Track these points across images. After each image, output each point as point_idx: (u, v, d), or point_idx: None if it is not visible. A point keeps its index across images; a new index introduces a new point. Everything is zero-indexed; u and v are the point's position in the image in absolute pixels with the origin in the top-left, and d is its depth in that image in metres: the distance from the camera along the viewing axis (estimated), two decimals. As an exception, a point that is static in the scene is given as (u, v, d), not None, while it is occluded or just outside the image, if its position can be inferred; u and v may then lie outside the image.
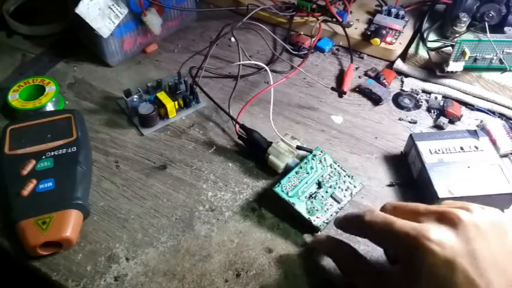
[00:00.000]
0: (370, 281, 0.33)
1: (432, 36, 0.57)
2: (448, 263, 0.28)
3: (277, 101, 0.52)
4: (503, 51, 0.51)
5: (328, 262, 0.38)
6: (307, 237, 0.40)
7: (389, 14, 0.61)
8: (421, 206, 0.32)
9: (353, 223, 0.35)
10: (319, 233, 0.40)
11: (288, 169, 0.43)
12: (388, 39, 0.58)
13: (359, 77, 0.56)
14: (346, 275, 0.36)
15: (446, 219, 0.30)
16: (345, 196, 0.41)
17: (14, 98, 0.49)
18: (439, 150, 0.43)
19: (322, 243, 0.39)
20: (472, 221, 0.29)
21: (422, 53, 0.55)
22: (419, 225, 0.30)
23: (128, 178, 0.45)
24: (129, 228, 0.41)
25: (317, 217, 0.39)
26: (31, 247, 0.37)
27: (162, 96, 0.49)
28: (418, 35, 0.58)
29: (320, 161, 0.43)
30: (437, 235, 0.28)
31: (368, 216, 0.33)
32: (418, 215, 0.31)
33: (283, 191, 0.41)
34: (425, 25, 0.59)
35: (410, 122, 0.51)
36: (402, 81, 0.55)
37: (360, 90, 0.54)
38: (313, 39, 0.59)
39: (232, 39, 0.61)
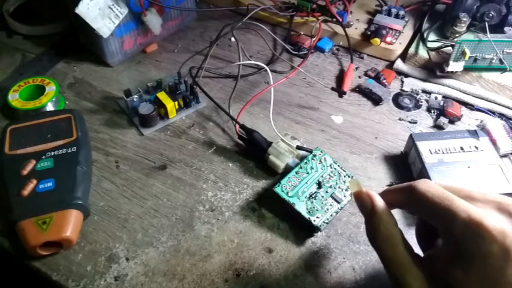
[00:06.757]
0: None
1: (432, 36, 0.57)
2: (505, 253, 0.27)
3: (277, 101, 0.52)
4: (503, 51, 0.51)
5: (328, 261, 0.38)
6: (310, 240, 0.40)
7: (389, 14, 0.61)
8: (475, 191, 0.30)
9: (399, 192, 0.32)
10: (318, 233, 0.40)
11: (288, 169, 0.43)
12: (388, 39, 0.58)
13: (359, 77, 0.56)
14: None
15: (505, 210, 0.28)
16: (345, 196, 0.41)
17: (14, 98, 0.49)
18: (439, 150, 0.43)
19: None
20: None
21: (422, 53, 0.55)
22: (482, 210, 0.28)
23: (128, 178, 0.45)
24: (129, 228, 0.41)
25: (317, 217, 0.39)
26: (31, 247, 0.37)
27: (162, 96, 0.49)
28: (418, 35, 0.58)
29: (320, 161, 0.43)
30: (500, 224, 0.27)
31: (422, 186, 0.30)
32: (474, 200, 0.29)
33: (283, 191, 0.41)
34: (425, 25, 0.59)
35: (410, 122, 0.51)
36: (402, 81, 0.55)
37: (360, 90, 0.54)
38: (313, 39, 0.59)
39: (232, 39, 0.61)
